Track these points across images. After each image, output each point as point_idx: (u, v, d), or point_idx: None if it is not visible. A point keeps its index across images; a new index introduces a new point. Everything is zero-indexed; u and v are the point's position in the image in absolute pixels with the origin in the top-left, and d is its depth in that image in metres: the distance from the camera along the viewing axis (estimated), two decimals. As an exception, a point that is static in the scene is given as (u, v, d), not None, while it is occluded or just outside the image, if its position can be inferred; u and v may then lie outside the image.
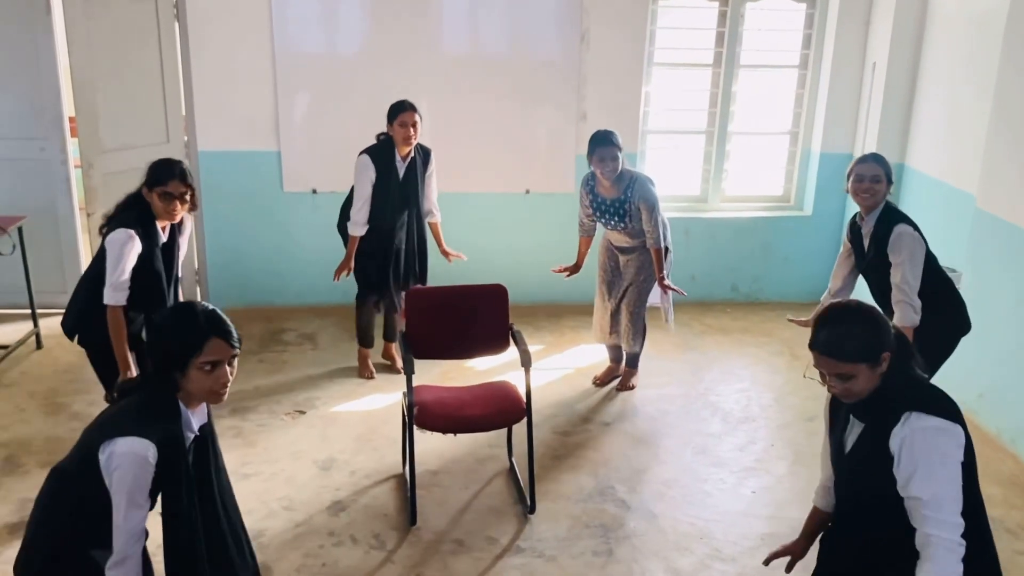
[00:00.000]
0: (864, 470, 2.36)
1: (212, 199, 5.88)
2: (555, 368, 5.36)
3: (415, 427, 3.82)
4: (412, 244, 5.00)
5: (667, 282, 4.72)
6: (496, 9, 5.74)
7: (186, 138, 5.80)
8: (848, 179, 3.83)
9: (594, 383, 5.12)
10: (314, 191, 5.88)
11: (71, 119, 5.64)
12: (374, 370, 5.17)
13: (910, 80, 5.71)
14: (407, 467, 3.96)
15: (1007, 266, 4.56)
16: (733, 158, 6.33)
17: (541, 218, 6.06)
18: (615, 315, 4.96)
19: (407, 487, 3.93)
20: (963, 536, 2.19)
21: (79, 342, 3.85)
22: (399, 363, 5.03)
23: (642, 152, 6.14)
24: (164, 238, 3.72)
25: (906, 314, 3.65)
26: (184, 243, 3.89)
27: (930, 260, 3.77)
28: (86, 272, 3.84)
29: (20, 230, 5.23)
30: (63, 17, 5.24)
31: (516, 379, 4.06)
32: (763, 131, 6.46)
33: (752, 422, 4.78)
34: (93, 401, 4.80)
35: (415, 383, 3.90)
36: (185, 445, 2.39)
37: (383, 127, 4.81)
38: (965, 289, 4.85)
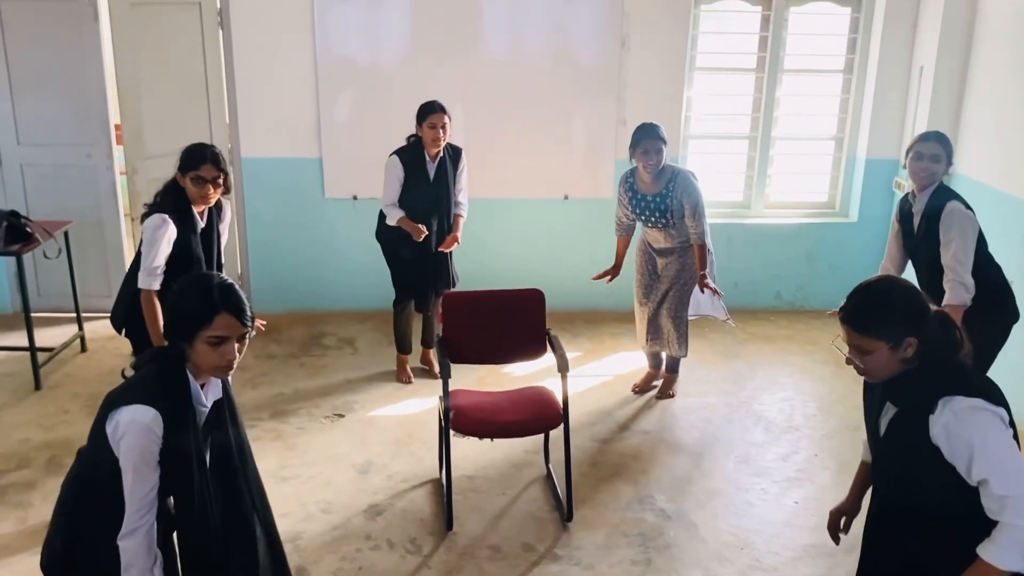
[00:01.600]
0: (898, 459, 2.30)
1: (254, 205, 5.94)
2: (593, 375, 5.31)
3: (452, 432, 3.80)
4: (434, 249, 4.94)
5: (707, 280, 4.64)
6: (536, 14, 5.72)
7: (229, 145, 5.86)
8: (907, 155, 3.79)
9: (633, 390, 5.07)
10: (355, 197, 5.90)
11: (117, 126, 5.74)
12: (412, 375, 5.16)
13: (959, 84, 5.59)
14: (444, 472, 3.93)
15: (1061, 273, 4.42)
16: (777, 164, 6.24)
17: (580, 224, 6.02)
18: (654, 320, 4.89)
19: (443, 492, 3.90)
20: None
21: (125, 334, 3.89)
22: (436, 368, 5.02)
23: (684, 157, 6.08)
24: (202, 223, 3.76)
25: (957, 293, 3.56)
26: (224, 230, 3.94)
27: (981, 244, 3.68)
28: (131, 266, 3.87)
29: (66, 235, 5.32)
30: (110, 25, 5.33)
31: (553, 385, 4.02)
32: (807, 136, 6.36)
33: (796, 432, 4.69)
34: (135, 403, 4.86)
35: (452, 388, 3.89)
36: (193, 416, 2.36)
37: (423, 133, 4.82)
38: (1019, 297, 4.72)
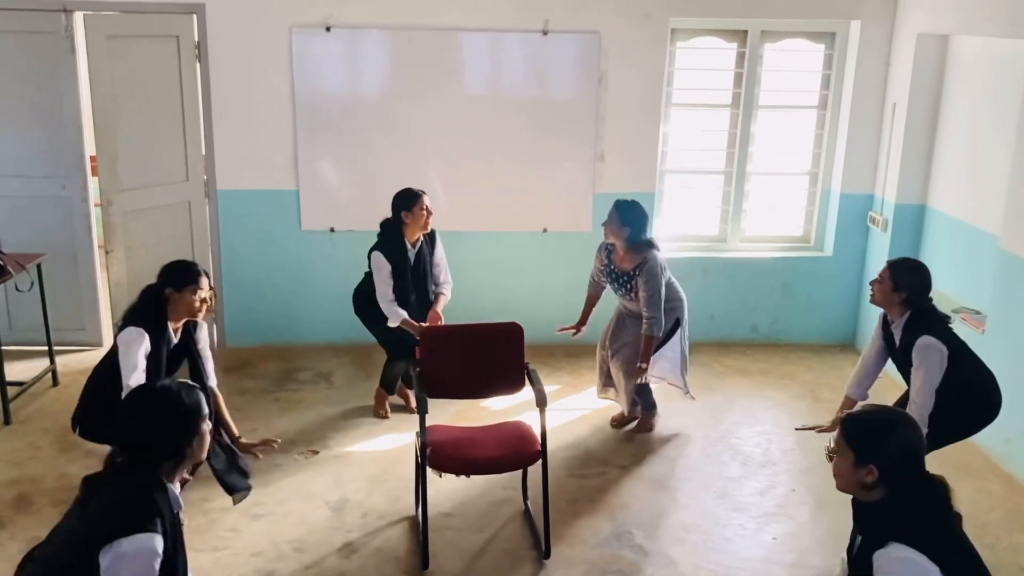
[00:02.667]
0: None
1: (230, 237, 5.90)
2: (572, 409, 5.29)
3: (428, 468, 3.76)
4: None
5: (643, 366, 4.65)
6: (515, 50, 5.77)
7: (205, 177, 5.83)
8: None
9: (611, 425, 5.05)
10: (332, 230, 5.88)
11: (92, 158, 5.70)
12: (389, 410, 5.12)
13: (931, 120, 5.67)
14: (420, 509, 3.89)
15: (1033, 308, 4.47)
16: (752, 198, 6.29)
17: (559, 257, 6.03)
18: (607, 367, 4.95)
19: (420, 530, 3.86)
20: None
21: (80, 434, 3.88)
22: (413, 403, 4.98)
23: (660, 192, 6.12)
24: (175, 340, 3.80)
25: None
26: (205, 347, 3.95)
27: (961, 360, 3.71)
28: (96, 372, 3.89)
29: (39, 267, 5.25)
30: (87, 57, 5.31)
31: (532, 419, 4.00)
32: (782, 171, 6.42)
33: (773, 466, 4.68)
34: (107, 439, 4.78)
35: (429, 423, 3.86)
36: (181, 528, 2.41)
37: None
38: (989, 330, 4.77)
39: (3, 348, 4.94)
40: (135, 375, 3.57)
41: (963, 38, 5.38)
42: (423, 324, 4.74)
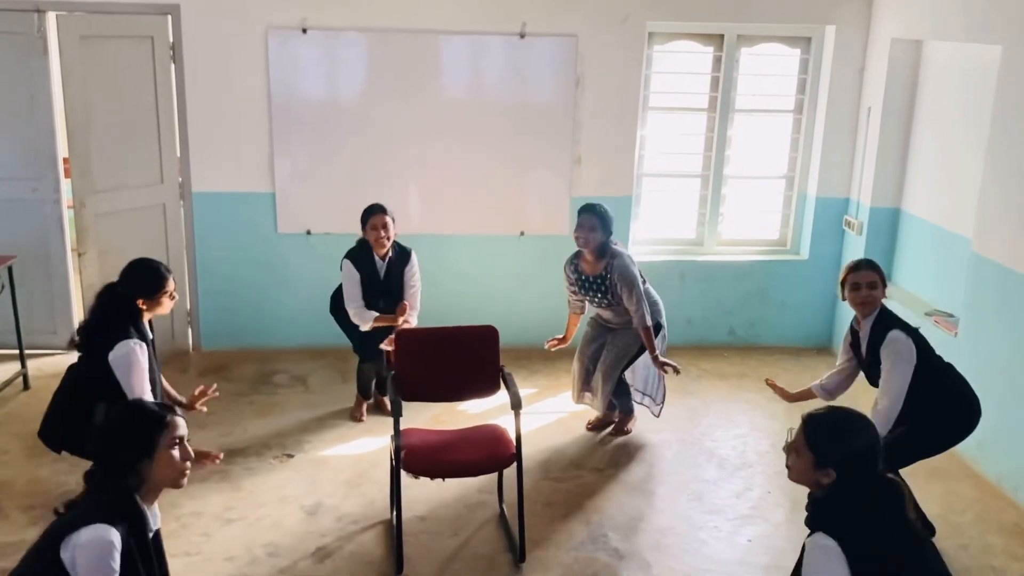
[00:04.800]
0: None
1: (205, 240, 5.86)
2: (548, 412, 5.28)
3: (403, 472, 3.74)
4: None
5: (662, 359, 4.67)
6: (493, 54, 5.76)
7: (180, 179, 5.79)
8: (843, 287, 3.87)
9: (587, 428, 5.05)
10: (308, 232, 5.85)
11: (65, 160, 5.64)
12: (365, 413, 5.10)
13: (905, 125, 5.72)
14: (394, 513, 3.87)
15: (1003, 310, 4.51)
16: (729, 202, 6.31)
17: (536, 260, 6.02)
18: (589, 373, 4.91)
19: (394, 533, 3.83)
20: None
21: (56, 448, 3.87)
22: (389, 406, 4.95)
23: (637, 195, 6.13)
24: (151, 335, 3.84)
25: (876, 421, 3.56)
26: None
27: (928, 359, 3.74)
28: (65, 384, 3.87)
29: (10, 270, 5.20)
30: (59, 58, 5.25)
31: (507, 423, 3.98)
32: (759, 175, 6.45)
33: (749, 468, 4.70)
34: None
35: (404, 426, 3.84)
36: (148, 536, 2.38)
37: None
38: (962, 332, 4.80)
39: (-27, 351, 4.88)
40: (141, 389, 3.62)
41: (936, 43, 5.43)
42: (393, 318, 4.75)
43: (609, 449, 4.86)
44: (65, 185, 5.72)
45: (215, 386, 3.90)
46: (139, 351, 3.65)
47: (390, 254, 4.88)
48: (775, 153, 6.35)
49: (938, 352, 3.87)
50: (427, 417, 4.93)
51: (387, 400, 5.04)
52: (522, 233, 6.04)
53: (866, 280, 3.82)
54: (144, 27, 5.48)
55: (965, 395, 3.84)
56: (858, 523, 2.38)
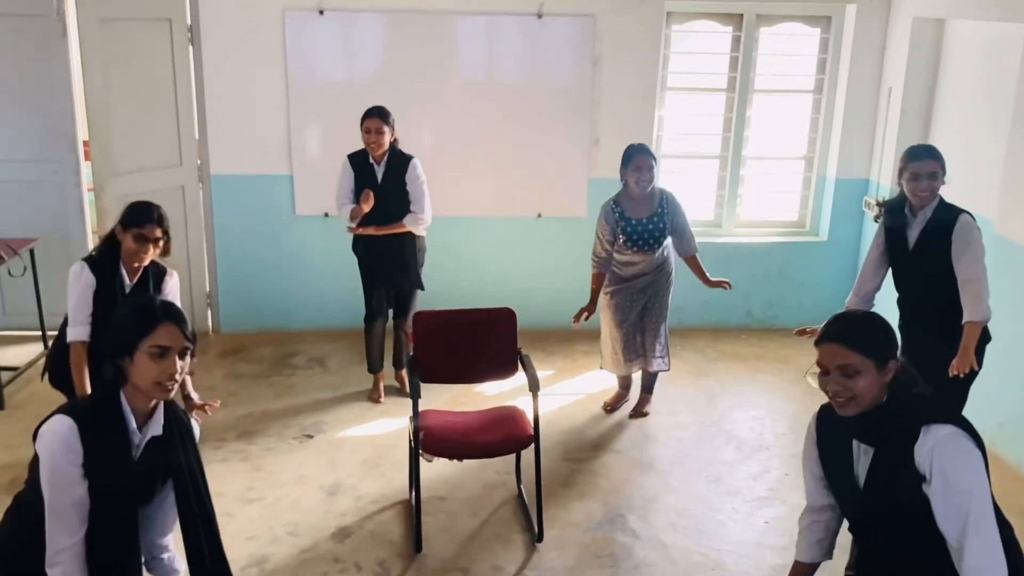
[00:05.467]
0: (887, 498, 2.28)
1: (224, 222, 5.88)
2: (566, 394, 5.29)
3: (421, 453, 3.76)
4: (394, 246, 4.90)
5: (714, 279, 4.79)
6: (510, 35, 5.74)
7: (199, 161, 5.81)
8: (901, 175, 3.72)
9: (604, 409, 5.06)
10: (326, 215, 5.87)
11: (85, 142, 5.67)
12: (383, 393, 5.12)
13: (926, 105, 5.66)
14: (413, 493, 3.90)
15: (1026, 292, 4.47)
16: (747, 183, 6.28)
17: (553, 242, 6.02)
18: (631, 340, 4.83)
19: (413, 513, 3.86)
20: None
21: (51, 383, 3.86)
22: (408, 387, 4.98)
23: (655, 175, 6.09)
24: (128, 283, 3.64)
25: (979, 310, 3.51)
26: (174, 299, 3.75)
27: None
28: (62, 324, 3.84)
29: (32, 252, 5.24)
30: (78, 41, 5.27)
31: (526, 404, 4.00)
32: (778, 156, 6.41)
33: (766, 450, 4.70)
34: (101, 424, 4.78)
35: (423, 407, 3.86)
36: (123, 441, 2.30)
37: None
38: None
39: (-4, 333, 4.93)
40: (75, 308, 3.52)
41: (958, 22, 5.36)
42: (367, 193, 4.73)
43: (626, 431, 4.87)
44: (85, 168, 5.76)
45: (218, 403, 3.77)
46: (79, 272, 3.53)
47: (387, 157, 4.83)
48: (794, 134, 6.30)
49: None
50: (445, 399, 4.96)
51: (405, 377, 5.08)
52: (539, 215, 6.03)
53: (927, 170, 3.63)
54: (162, 9, 5.49)
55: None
56: (937, 402, 2.27)
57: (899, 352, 2.33)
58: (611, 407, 5.05)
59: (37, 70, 5.52)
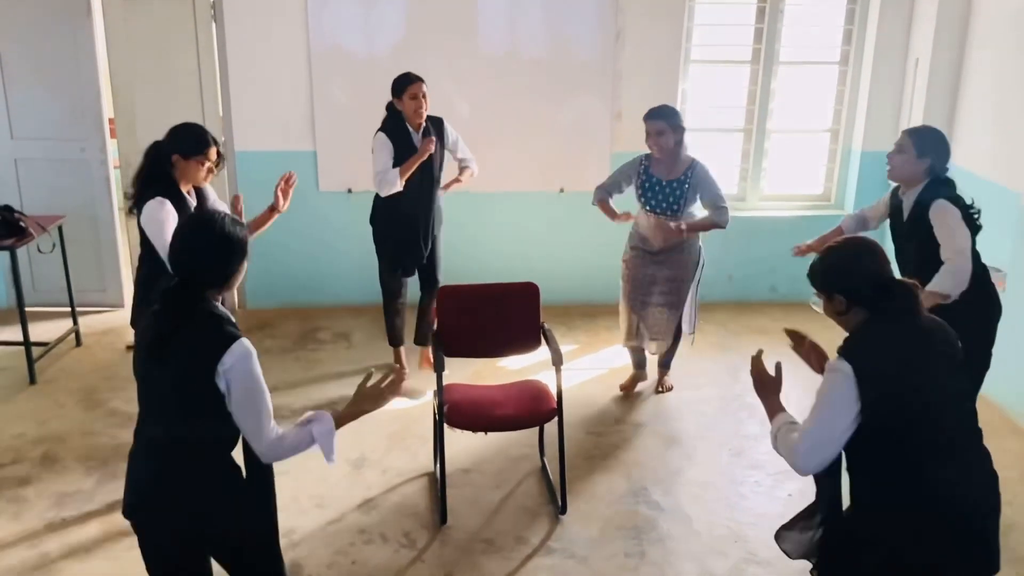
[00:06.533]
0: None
1: (248, 199, 5.83)
2: (588, 368, 5.31)
3: (446, 426, 3.80)
4: (427, 217, 4.88)
5: (675, 224, 4.44)
6: (532, 7, 5.71)
7: (223, 138, 5.84)
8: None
9: (621, 390, 5.00)
10: (349, 191, 5.89)
11: (110, 120, 5.72)
12: (406, 368, 5.13)
13: (954, 76, 5.58)
14: (438, 466, 3.94)
15: (1055, 265, 4.42)
16: (772, 156, 6.23)
17: (575, 217, 6.00)
18: (644, 315, 4.77)
19: (438, 486, 3.91)
20: None
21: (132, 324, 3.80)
22: (431, 362, 5.00)
23: (679, 151, 6.07)
24: (193, 202, 3.70)
25: (942, 281, 3.48)
26: (216, 205, 3.86)
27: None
28: (139, 268, 3.83)
29: (60, 229, 5.31)
30: (103, 19, 5.31)
31: (548, 379, 4.02)
32: (803, 129, 6.35)
33: (790, 424, 4.68)
34: (130, 399, 4.82)
35: (446, 382, 3.89)
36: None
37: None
38: (1010, 288, 4.73)
39: (27, 309, 5.00)
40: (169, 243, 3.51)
41: (989, -9, 5.27)
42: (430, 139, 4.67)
43: (649, 405, 4.88)
44: (111, 145, 5.81)
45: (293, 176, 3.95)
46: (160, 207, 3.50)
47: (424, 125, 4.74)
48: (820, 106, 6.24)
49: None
50: (467, 373, 4.98)
51: (429, 353, 5.09)
52: (562, 190, 6.02)
53: (897, 144, 3.74)
54: (185, -14, 5.50)
55: (991, 295, 3.77)
56: (874, 347, 2.43)
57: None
58: (627, 388, 5.00)
59: (63, 49, 5.56)
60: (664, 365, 5.00)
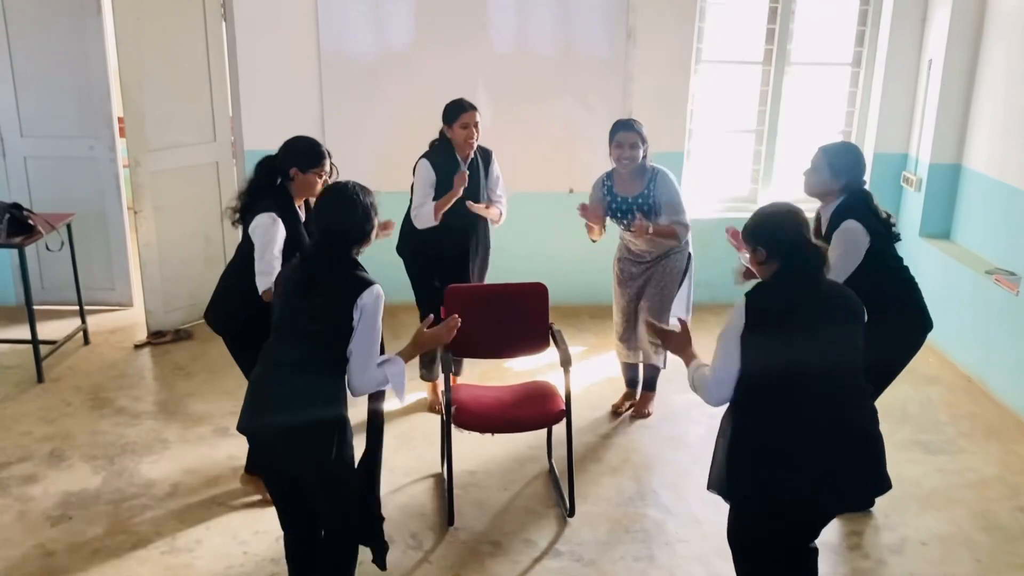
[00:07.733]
0: None
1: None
2: (597, 370, 5.28)
3: (453, 426, 3.77)
4: (479, 245, 4.75)
5: (642, 223, 4.27)
6: (542, 6, 5.69)
7: (232, 137, 5.84)
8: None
9: (613, 410, 4.82)
10: (358, 190, 5.87)
11: (120, 119, 5.72)
12: (442, 399, 4.32)
13: (968, 78, 5.53)
14: (445, 466, 3.91)
15: (1070, 268, 4.38)
16: (783, 158, 6.19)
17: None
18: (631, 323, 4.64)
19: (445, 487, 3.88)
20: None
21: (229, 337, 3.77)
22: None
23: (689, 151, 6.04)
24: (303, 216, 3.72)
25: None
26: None
27: (883, 259, 3.61)
28: (230, 267, 3.82)
29: (69, 227, 5.30)
30: (112, 17, 5.30)
31: (557, 380, 3.99)
32: (814, 130, 6.31)
33: (800, 427, 4.64)
34: (138, 396, 4.85)
35: (453, 382, 3.86)
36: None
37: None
38: (1023, 292, 4.69)
39: (35, 307, 5.00)
40: (271, 260, 3.49)
41: (1003, -9, 5.23)
42: (464, 172, 4.38)
43: (658, 407, 4.84)
44: (120, 144, 5.81)
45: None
46: (272, 224, 3.51)
47: (473, 155, 4.52)
48: (832, 108, 6.20)
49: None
50: (475, 374, 4.96)
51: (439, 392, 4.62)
52: (571, 190, 5.99)
53: (812, 162, 3.79)
54: (195, -15, 5.50)
55: (916, 304, 3.72)
56: (770, 292, 2.77)
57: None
58: (619, 408, 4.81)
59: (72, 47, 5.57)
60: (648, 386, 4.78)
